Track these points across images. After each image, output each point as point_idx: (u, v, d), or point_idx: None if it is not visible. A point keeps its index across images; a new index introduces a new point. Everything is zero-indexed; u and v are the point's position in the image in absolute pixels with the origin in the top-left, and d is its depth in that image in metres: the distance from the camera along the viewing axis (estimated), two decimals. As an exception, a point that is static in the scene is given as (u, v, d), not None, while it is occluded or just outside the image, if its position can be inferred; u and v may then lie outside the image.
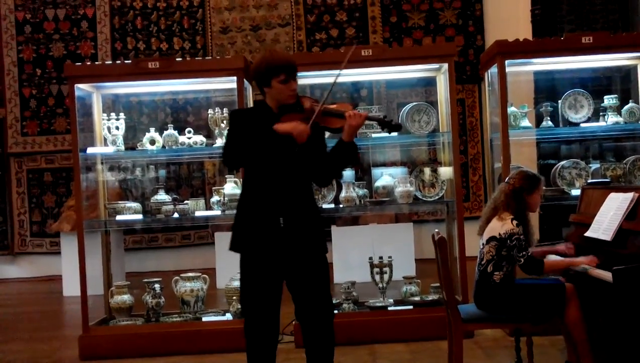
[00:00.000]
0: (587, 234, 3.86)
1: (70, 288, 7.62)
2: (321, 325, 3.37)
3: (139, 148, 5.46)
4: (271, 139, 3.21)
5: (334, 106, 3.39)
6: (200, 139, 5.42)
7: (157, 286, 5.33)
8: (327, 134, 3.56)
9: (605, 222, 3.75)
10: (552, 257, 4.01)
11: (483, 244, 3.84)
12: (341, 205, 5.32)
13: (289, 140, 3.20)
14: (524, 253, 3.72)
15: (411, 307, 5.23)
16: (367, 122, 3.41)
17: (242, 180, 3.42)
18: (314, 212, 3.41)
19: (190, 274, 5.40)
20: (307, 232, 3.34)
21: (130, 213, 5.35)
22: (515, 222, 3.73)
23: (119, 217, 5.33)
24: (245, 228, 3.35)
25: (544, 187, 3.96)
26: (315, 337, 3.38)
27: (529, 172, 3.95)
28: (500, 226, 3.76)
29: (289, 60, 3.31)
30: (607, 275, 3.39)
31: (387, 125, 3.35)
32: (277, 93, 3.31)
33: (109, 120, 5.41)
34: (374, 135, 5.25)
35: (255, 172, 3.34)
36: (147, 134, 5.40)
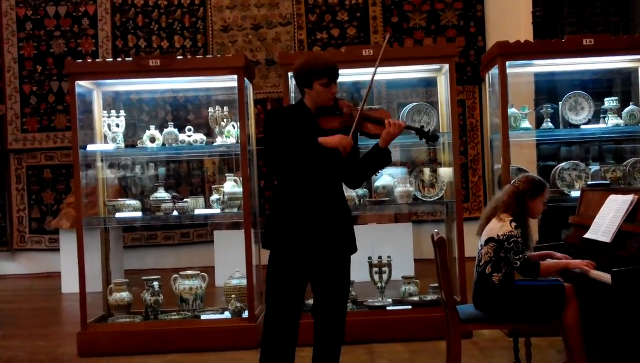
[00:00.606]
0: (586, 236, 3.86)
1: (69, 285, 7.61)
2: (334, 324, 3.44)
3: (139, 145, 5.46)
4: (317, 147, 3.28)
5: (372, 112, 3.47)
6: (200, 137, 5.42)
7: (155, 284, 5.33)
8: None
9: (604, 224, 3.75)
10: (549, 260, 4.01)
11: (481, 245, 3.84)
12: (341, 205, 5.30)
13: (334, 151, 3.29)
14: (520, 256, 3.70)
15: (410, 306, 5.23)
16: (405, 131, 3.47)
17: (277, 182, 3.50)
18: (346, 213, 3.47)
19: (189, 272, 5.40)
20: (339, 232, 3.40)
21: (130, 210, 5.36)
22: (513, 224, 3.73)
23: (118, 215, 5.33)
24: (281, 228, 3.38)
25: (548, 195, 3.93)
26: (327, 335, 3.44)
27: (536, 178, 3.94)
28: (499, 227, 3.75)
29: (333, 65, 3.38)
30: (606, 277, 3.39)
31: (425, 135, 3.45)
32: (317, 95, 3.37)
33: (109, 117, 5.41)
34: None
35: (295, 177, 3.37)
36: (147, 131, 5.40)
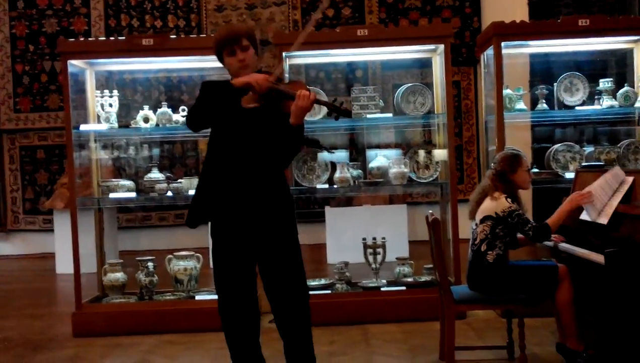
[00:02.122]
0: (582, 217, 3.88)
1: (63, 265, 7.62)
2: (294, 309, 3.29)
3: (133, 126, 5.43)
4: (237, 109, 3.14)
5: (285, 86, 3.23)
6: (194, 117, 5.38)
7: (150, 264, 5.33)
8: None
9: (599, 205, 3.76)
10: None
11: (476, 224, 3.86)
12: (335, 186, 5.32)
13: (253, 115, 3.16)
14: (529, 225, 3.76)
15: (404, 287, 5.25)
16: (316, 105, 3.28)
17: (204, 155, 3.36)
18: (282, 191, 3.30)
19: (183, 253, 5.40)
20: (274, 211, 3.25)
21: (124, 191, 5.34)
22: (509, 200, 3.78)
23: (112, 195, 5.31)
24: (207, 205, 3.26)
25: (527, 162, 3.97)
26: (288, 322, 3.31)
27: (508, 152, 4.00)
28: (496, 205, 3.79)
29: (230, 30, 3.24)
30: (599, 258, 3.41)
31: (337, 110, 3.21)
32: (229, 68, 3.25)
33: (102, 97, 5.38)
34: (368, 115, 5.22)
35: (219, 145, 3.24)
36: (140, 111, 5.37)
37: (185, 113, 5.37)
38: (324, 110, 5.28)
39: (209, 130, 3.33)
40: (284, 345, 3.37)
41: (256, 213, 3.23)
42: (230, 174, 3.23)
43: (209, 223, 3.40)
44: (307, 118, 5.07)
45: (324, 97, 4.78)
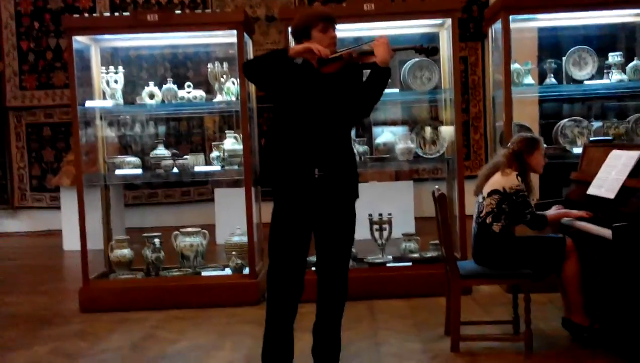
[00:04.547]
0: (589, 192, 3.85)
1: (70, 242, 7.65)
2: (338, 278, 3.43)
3: (138, 102, 5.41)
4: (284, 55, 3.29)
5: (365, 47, 3.43)
6: (199, 93, 5.37)
7: (156, 240, 5.35)
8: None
9: (608, 180, 3.74)
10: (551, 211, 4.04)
11: (483, 197, 3.86)
12: (341, 162, 5.29)
13: (328, 79, 3.31)
14: (530, 209, 3.78)
15: (410, 263, 5.26)
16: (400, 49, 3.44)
17: (272, 120, 3.52)
18: (350, 161, 3.43)
19: (190, 229, 5.41)
20: (342, 182, 3.38)
21: (130, 167, 5.34)
22: (519, 178, 3.78)
23: (118, 172, 5.31)
24: (278, 174, 3.37)
25: (544, 146, 3.98)
26: (330, 289, 3.44)
27: (527, 135, 4.04)
28: (505, 180, 3.80)
29: (327, 11, 3.43)
30: (606, 232, 3.39)
31: (423, 50, 3.39)
32: (318, 42, 3.33)
33: (107, 73, 5.35)
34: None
35: (288, 115, 3.36)
36: (146, 88, 5.35)
37: (190, 89, 5.36)
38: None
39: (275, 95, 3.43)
40: (316, 321, 3.49)
41: (325, 185, 3.32)
42: (307, 146, 3.31)
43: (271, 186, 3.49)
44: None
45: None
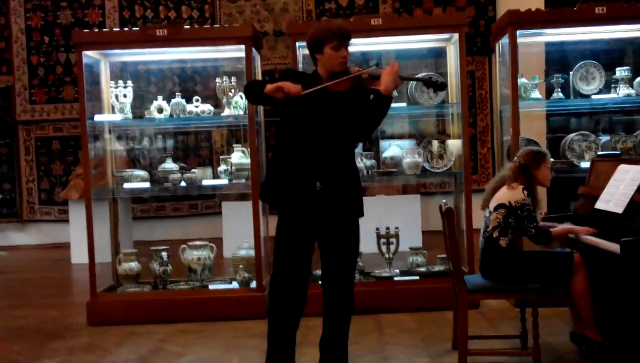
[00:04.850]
0: (597, 206, 3.84)
1: (78, 255, 7.67)
2: (343, 291, 3.44)
3: (147, 116, 5.45)
4: (260, 90, 3.34)
5: (375, 72, 3.46)
6: (207, 107, 5.40)
7: (164, 254, 5.36)
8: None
9: (616, 194, 3.73)
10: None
11: (490, 212, 3.85)
12: (349, 176, 5.30)
13: (335, 99, 3.36)
14: (534, 224, 3.76)
15: (417, 277, 5.25)
16: (410, 82, 3.51)
17: (277, 133, 3.62)
18: (352, 176, 3.46)
19: (197, 242, 5.43)
20: (344, 196, 3.40)
21: (138, 181, 5.36)
22: (525, 192, 3.77)
23: (126, 185, 5.33)
24: (280, 188, 3.41)
25: (551, 160, 3.97)
26: (336, 303, 3.45)
27: (534, 148, 4.03)
28: (511, 194, 3.79)
29: (342, 28, 3.43)
30: (615, 247, 3.38)
31: (432, 84, 3.44)
32: (328, 60, 3.39)
33: (116, 88, 5.39)
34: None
35: (289, 131, 3.41)
36: (154, 102, 5.39)
37: (198, 104, 5.39)
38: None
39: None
40: (322, 335, 3.50)
41: (327, 198, 3.35)
42: (308, 159, 3.36)
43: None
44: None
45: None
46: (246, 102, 5.21)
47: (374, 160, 5.44)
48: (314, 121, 3.36)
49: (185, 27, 5.40)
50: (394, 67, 3.38)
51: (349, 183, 3.43)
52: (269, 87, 3.29)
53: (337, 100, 3.39)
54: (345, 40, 3.40)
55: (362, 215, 3.50)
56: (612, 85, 5.34)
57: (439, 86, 3.44)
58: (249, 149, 5.25)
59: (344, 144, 3.43)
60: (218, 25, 9.22)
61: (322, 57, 3.43)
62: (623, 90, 5.26)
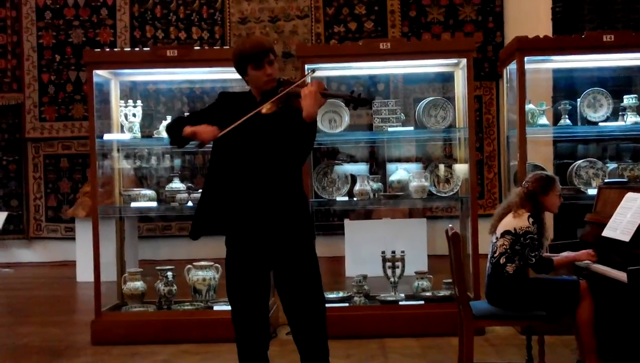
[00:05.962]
0: (604, 234, 3.83)
1: (84, 273, 7.67)
2: (309, 321, 3.24)
3: (155, 136, 5.48)
4: (179, 134, 3.18)
5: (298, 87, 3.16)
6: (216, 128, 5.42)
7: (169, 274, 5.36)
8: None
9: (623, 222, 3.72)
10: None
11: (497, 238, 3.84)
12: (355, 199, 5.32)
13: (265, 121, 3.13)
14: (536, 253, 3.74)
15: (422, 302, 5.22)
16: (331, 99, 3.22)
17: (210, 161, 3.34)
18: (296, 201, 3.23)
19: (202, 263, 5.42)
20: (287, 223, 3.19)
21: (145, 200, 5.38)
22: (531, 220, 3.75)
23: (133, 204, 5.35)
24: (215, 218, 3.27)
25: (560, 187, 3.95)
26: (304, 334, 3.26)
27: (543, 174, 3.98)
28: (517, 221, 3.78)
29: (259, 45, 3.19)
30: (621, 275, 3.36)
31: (353, 100, 3.12)
32: (254, 80, 3.21)
33: (126, 107, 5.43)
34: (390, 128, 5.23)
35: (226, 154, 3.20)
36: (163, 121, 5.42)
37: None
38: (346, 121, 5.30)
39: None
40: (300, 358, 3.33)
41: (271, 222, 3.18)
42: (241, 183, 3.18)
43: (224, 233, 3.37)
44: (328, 130, 5.09)
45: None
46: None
47: (380, 183, 5.45)
48: (246, 147, 3.17)
49: (196, 48, 5.45)
50: (312, 86, 3.09)
51: (292, 209, 3.20)
52: (186, 130, 3.12)
53: (268, 123, 3.16)
54: (262, 58, 3.15)
55: (313, 237, 3.31)
56: (620, 113, 5.35)
57: (360, 102, 3.10)
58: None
59: (280, 168, 3.19)
60: (228, 47, 9.28)
61: (249, 78, 3.22)
62: (631, 118, 5.26)
